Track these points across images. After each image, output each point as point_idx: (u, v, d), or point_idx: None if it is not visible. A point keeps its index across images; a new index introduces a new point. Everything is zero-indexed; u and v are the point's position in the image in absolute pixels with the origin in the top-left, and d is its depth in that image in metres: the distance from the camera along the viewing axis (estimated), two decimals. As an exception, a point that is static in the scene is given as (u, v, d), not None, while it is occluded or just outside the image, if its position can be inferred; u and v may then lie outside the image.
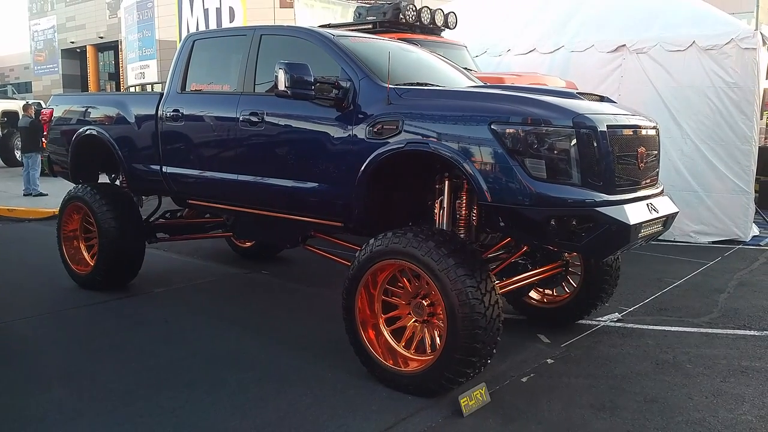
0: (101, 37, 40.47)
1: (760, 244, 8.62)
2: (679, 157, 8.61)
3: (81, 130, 6.05)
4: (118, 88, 38.83)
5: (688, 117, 8.60)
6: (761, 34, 8.23)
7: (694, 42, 8.43)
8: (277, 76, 4.07)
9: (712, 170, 8.61)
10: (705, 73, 8.44)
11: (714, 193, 8.63)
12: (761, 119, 8.82)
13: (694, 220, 8.63)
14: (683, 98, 8.58)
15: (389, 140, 3.97)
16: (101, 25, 40.38)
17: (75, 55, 43.72)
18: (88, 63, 42.71)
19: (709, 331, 5.17)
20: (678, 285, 6.52)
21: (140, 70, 33.36)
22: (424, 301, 3.83)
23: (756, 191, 8.92)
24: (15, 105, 19.52)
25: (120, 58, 37.93)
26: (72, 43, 42.56)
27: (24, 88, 45.45)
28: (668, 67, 8.61)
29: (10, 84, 37.16)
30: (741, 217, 8.63)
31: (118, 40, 37.17)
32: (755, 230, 8.95)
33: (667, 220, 4.12)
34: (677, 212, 4.27)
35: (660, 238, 4.55)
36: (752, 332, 5.14)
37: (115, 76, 41.20)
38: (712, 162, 8.59)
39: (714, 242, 8.61)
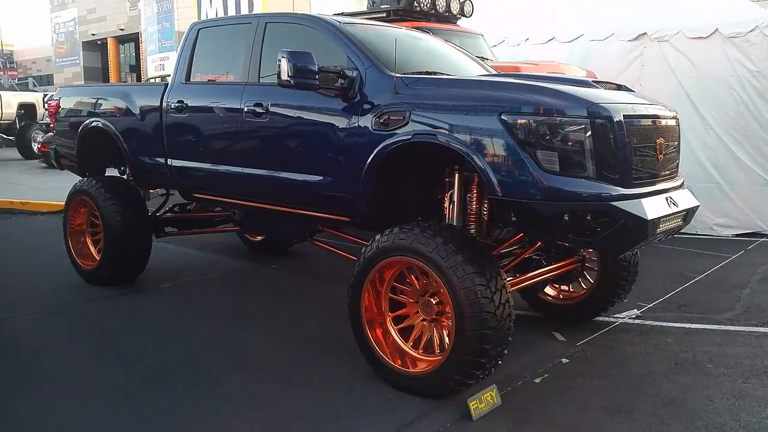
0: (122, 29, 40.69)
1: (785, 237, 8.40)
2: (702, 149, 8.38)
3: (87, 122, 5.96)
4: (138, 80, 39.03)
5: (711, 107, 8.35)
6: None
7: (716, 29, 8.17)
8: (279, 65, 3.94)
9: (735, 162, 8.38)
10: (728, 61, 8.18)
11: (737, 185, 8.40)
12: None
13: (716, 212, 8.41)
14: (706, 88, 8.33)
15: (396, 131, 3.82)
16: (122, 17, 40.58)
17: (96, 47, 44.02)
18: (109, 55, 42.98)
19: (731, 328, 5.00)
20: (699, 280, 6.34)
21: (160, 62, 33.44)
22: (432, 300, 3.70)
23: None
24: (32, 97, 19.65)
25: (140, 49, 38.12)
26: (93, 35, 42.84)
27: (46, 80, 45.83)
28: (690, 55, 8.35)
29: (32, 76, 37.49)
30: (765, 209, 8.40)
31: (138, 32, 37.34)
32: (779, 223, 8.71)
33: (688, 215, 3.95)
34: (698, 206, 4.09)
35: (681, 231, 4.38)
36: (776, 330, 4.96)
37: (136, 68, 41.42)
38: (735, 153, 8.35)
39: (736, 235, 8.39)
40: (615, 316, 5.16)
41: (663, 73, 8.47)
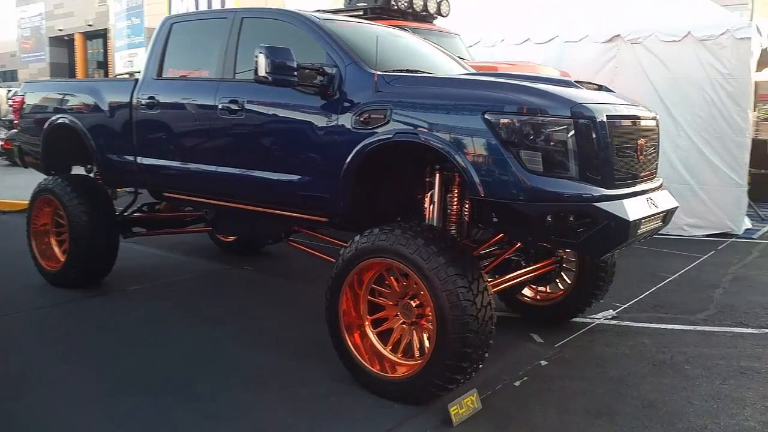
0: (90, 25, 39.94)
1: (753, 237, 8.54)
2: (673, 150, 8.45)
3: (53, 118, 5.77)
4: (106, 77, 38.35)
5: (683, 109, 8.45)
6: (757, 26, 8.10)
7: (689, 32, 8.27)
8: (257, 61, 3.82)
9: (706, 163, 8.49)
10: (700, 64, 8.29)
11: (707, 185, 8.51)
12: (753, 111, 8.68)
13: (687, 213, 8.47)
14: (678, 90, 8.43)
15: (377, 130, 3.74)
16: (90, 13, 39.85)
17: (63, 43, 43.15)
18: (76, 51, 42.16)
19: (706, 328, 5.03)
20: (672, 280, 6.38)
21: (128, 59, 32.85)
22: (412, 302, 3.62)
23: (748, 183, 8.83)
24: (-7, 93, 19.17)
25: (108, 46, 37.44)
26: (60, 30, 41.98)
27: (9, 76, 44.84)
28: (663, 58, 8.45)
29: (-6, 72, 36.71)
30: (734, 210, 8.54)
31: (107, 28, 36.67)
32: (747, 223, 8.85)
33: (667, 216, 3.94)
34: (677, 207, 4.09)
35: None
36: (749, 330, 5.00)
37: (104, 65, 40.69)
38: (706, 154, 8.47)
39: (707, 235, 8.49)
40: (591, 316, 5.15)
41: (636, 75, 8.53)
